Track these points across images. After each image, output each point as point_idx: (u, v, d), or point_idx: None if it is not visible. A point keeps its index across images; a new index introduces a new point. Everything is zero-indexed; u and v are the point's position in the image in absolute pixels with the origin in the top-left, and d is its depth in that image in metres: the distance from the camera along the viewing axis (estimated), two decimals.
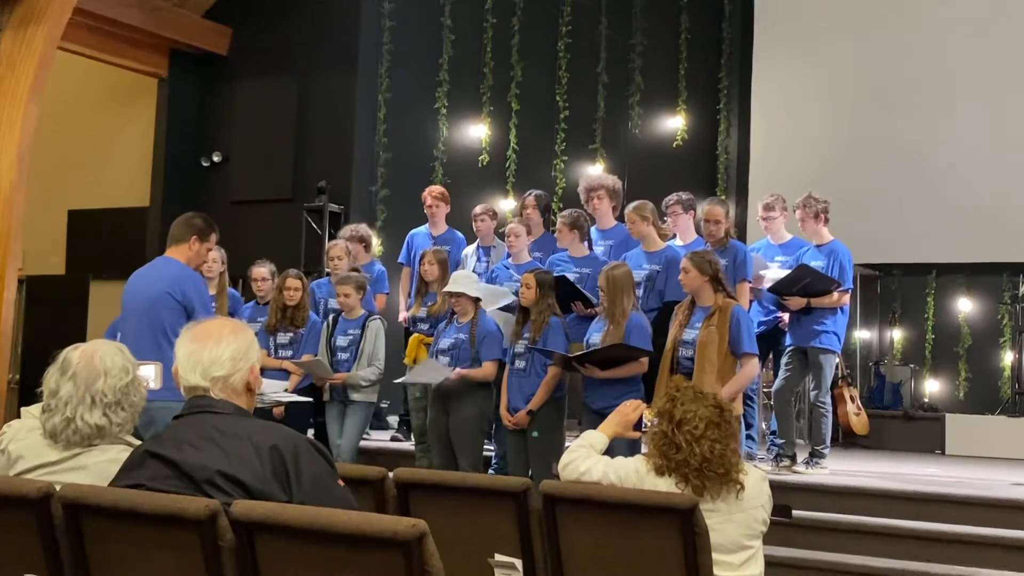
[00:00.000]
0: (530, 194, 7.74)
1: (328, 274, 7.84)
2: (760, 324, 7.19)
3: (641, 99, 12.26)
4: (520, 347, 6.38)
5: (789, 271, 7.03)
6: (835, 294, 6.90)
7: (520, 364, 6.39)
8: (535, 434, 6.27)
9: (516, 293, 6.73)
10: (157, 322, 5.07)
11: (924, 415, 10.64)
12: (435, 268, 7.18)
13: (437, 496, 3.59)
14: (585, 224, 7.09)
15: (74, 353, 2.95)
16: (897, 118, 11.47)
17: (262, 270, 7.47)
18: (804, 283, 6.82)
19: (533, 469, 6.22)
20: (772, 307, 7.22)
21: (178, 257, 5.33)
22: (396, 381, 6.95)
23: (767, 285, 7.07)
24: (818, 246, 7.15)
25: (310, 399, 6.90)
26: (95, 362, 2.92)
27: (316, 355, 7.03)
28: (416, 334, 7.26)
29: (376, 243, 9.85)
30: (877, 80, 11.61)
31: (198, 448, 2.58)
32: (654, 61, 12.35)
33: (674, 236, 7.39)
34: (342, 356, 7.01)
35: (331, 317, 7.21)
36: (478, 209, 7.76)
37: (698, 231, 7.40)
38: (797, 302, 6.89)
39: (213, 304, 6.93)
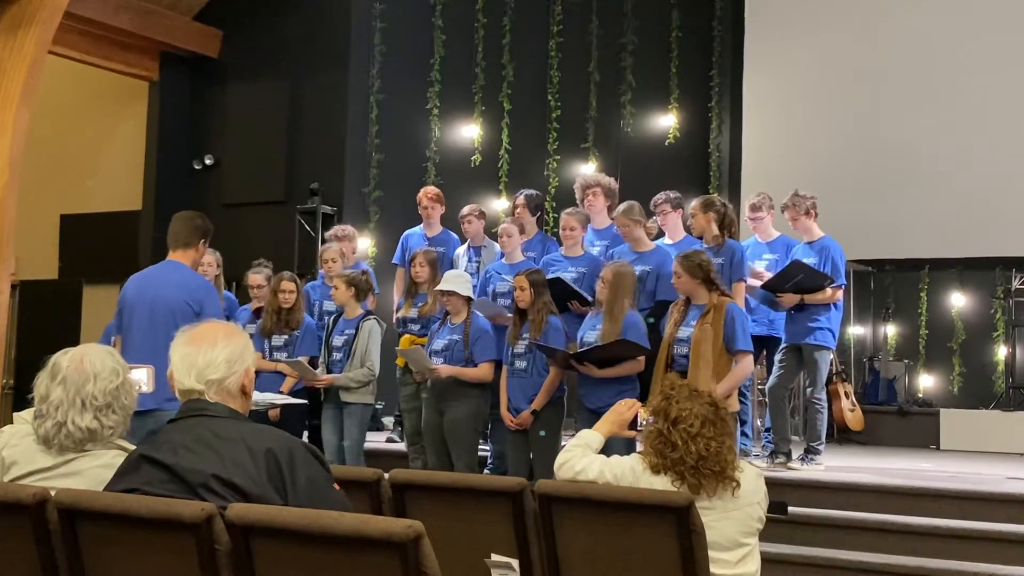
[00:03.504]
0: (520, 194, 7.74)
1: (322, 276, 7.83)
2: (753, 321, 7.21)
3: (633, 98, 12.26)
4: (520, 347, 6.38)
5: (773, 273, 7.08)
6: (828, 290, 6.91)
7: (521, 364, 6.38)
8: (542, 433, 6.27)
9: (509, 294, 6.73)
10: (172, 328, 4.97)
11: (918, 410, 10.66)
12: (426, 269, 7.15)
13: (433, 497, 3.58)
14: (588, 223, 7.17)
15: (63, 358, 2.94)
16: (889, 114, 11.49)
17: (258, 277, 7.44)
18: (797, 279, 6.82)
19: (536, 469, 6.22)
20: (765, 306, 7.21)
21: (185, 262, 5.23)
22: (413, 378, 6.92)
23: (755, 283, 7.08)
24: (809, 243, 7.16)
25: (305, 401, 6.89)
26: (84, 366, 2.91)
27: (314, 356, 7.04)
28: (407, 335, 7.25)
29: (370, 244, 9.85)
30: (868, 77, 11.63)
31: (193, 452, 2.58)
32: (645, 59, 12.36)
33: (661, 235, 7.41)
34: (336, 356, 7.00)
35: (332, 316, 7.21)
36: (465, 210, 7.75)
37: (687, 229, 7.42)
38: (791, 299, 6.89)
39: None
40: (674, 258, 6.25)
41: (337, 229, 8.11)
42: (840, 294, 7.05)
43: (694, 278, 5.98)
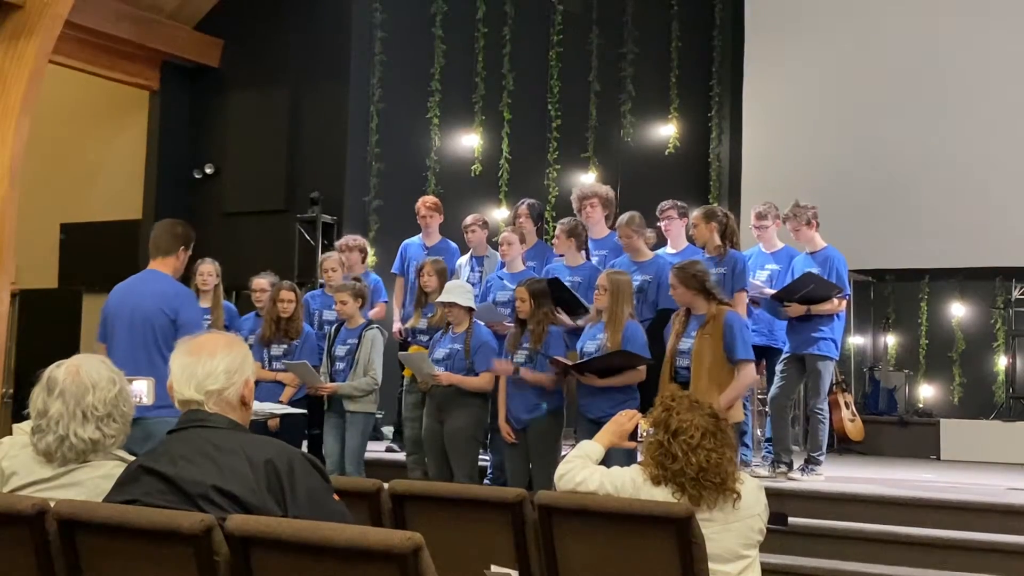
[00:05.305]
0: (523, 203, 7.74)
1: (322, 286, 7.83)
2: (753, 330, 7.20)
3: (633, 107, 12.28)
4: (520, 357, 6.37)
5: (769, 285, 7.08)
6: (835, 300, 6.90)
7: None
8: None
9: (510, 302, 6.72)
10: (151, 338, 4.99)
11: (919, 420, 10.65)
12: (434, 279, 7.13)
13: (433, 508, 3.57)
14: (583, 233, 7.11)
15: (58, 371, 2.92)
16: (888, 124, 11.50)
17: (262, 281, 7.44)
18: (807, 290, 6.81)
19: (534, 478, 6.21)
20: (768, 313, 7.20)
21: (165, 270, 5.23)
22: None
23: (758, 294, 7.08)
24: (811, 253, 7.15)
25: (304, 411, 6.88)
26: (82, 377, 2.89)
27: (315, 366, 7.02)
28: (415, 346, 7.24)
29: (369, 253, 9.85)
30: (868, 87, 11.64)
31: (192, 463, 2.57)
32: (645, 69, 12.38)
33: (660, 244, 7.40)
34: (339, 365, 6.99)
35: (334, 326, 7.20)
36: (468, 219, 7.76)
37: (689, 239, 7.42)
38: (797, 309, 6.88)
39: (206, 319, 6.93)
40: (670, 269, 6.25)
41: (348, 239, 8.06)
42: (844, 304, 7.04)
43: (690, 289, 5.97)
